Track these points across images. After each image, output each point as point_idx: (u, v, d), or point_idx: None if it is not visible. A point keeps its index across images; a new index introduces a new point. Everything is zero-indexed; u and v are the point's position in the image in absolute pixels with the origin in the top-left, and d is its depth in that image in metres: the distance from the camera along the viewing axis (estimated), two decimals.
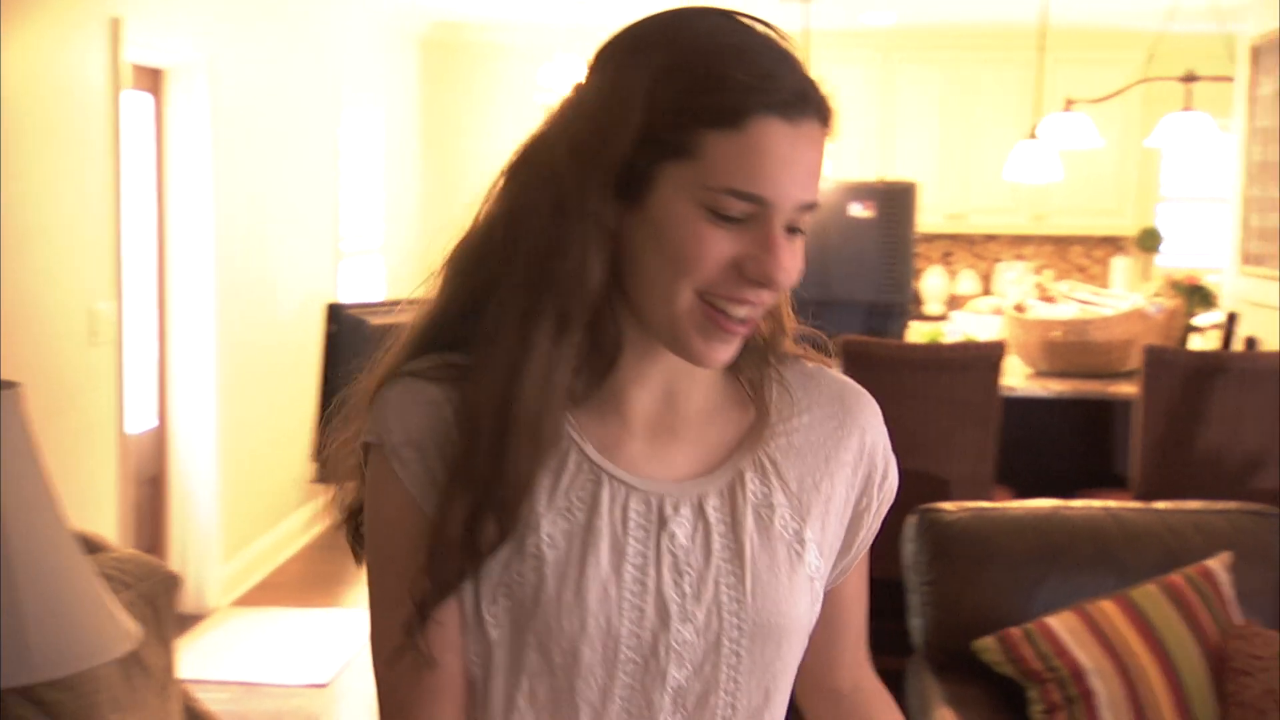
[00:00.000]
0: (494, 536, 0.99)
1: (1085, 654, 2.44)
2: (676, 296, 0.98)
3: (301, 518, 5.90)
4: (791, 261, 0.98)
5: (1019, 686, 2.49)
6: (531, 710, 1.02)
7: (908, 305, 4.74)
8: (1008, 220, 7.88)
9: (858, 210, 4.97)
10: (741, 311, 0.99)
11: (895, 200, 5.01)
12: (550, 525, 1.01)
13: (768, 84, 0.95)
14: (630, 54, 0.99)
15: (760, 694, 1.07)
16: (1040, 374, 4.54)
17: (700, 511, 1.05)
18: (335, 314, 2.36)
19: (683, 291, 0.98)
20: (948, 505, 2.68)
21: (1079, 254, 8.16)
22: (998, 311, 5.57)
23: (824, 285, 4.78)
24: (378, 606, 1.05)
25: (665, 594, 1.02)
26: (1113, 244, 8.06)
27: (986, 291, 7.92)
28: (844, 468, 1.11)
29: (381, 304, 2.61)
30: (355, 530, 1.11)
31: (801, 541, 1.08)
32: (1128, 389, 4.22)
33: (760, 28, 1.00)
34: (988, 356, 3.91)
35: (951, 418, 3.87)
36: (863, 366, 3.76)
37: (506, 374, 0.99)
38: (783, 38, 1.00)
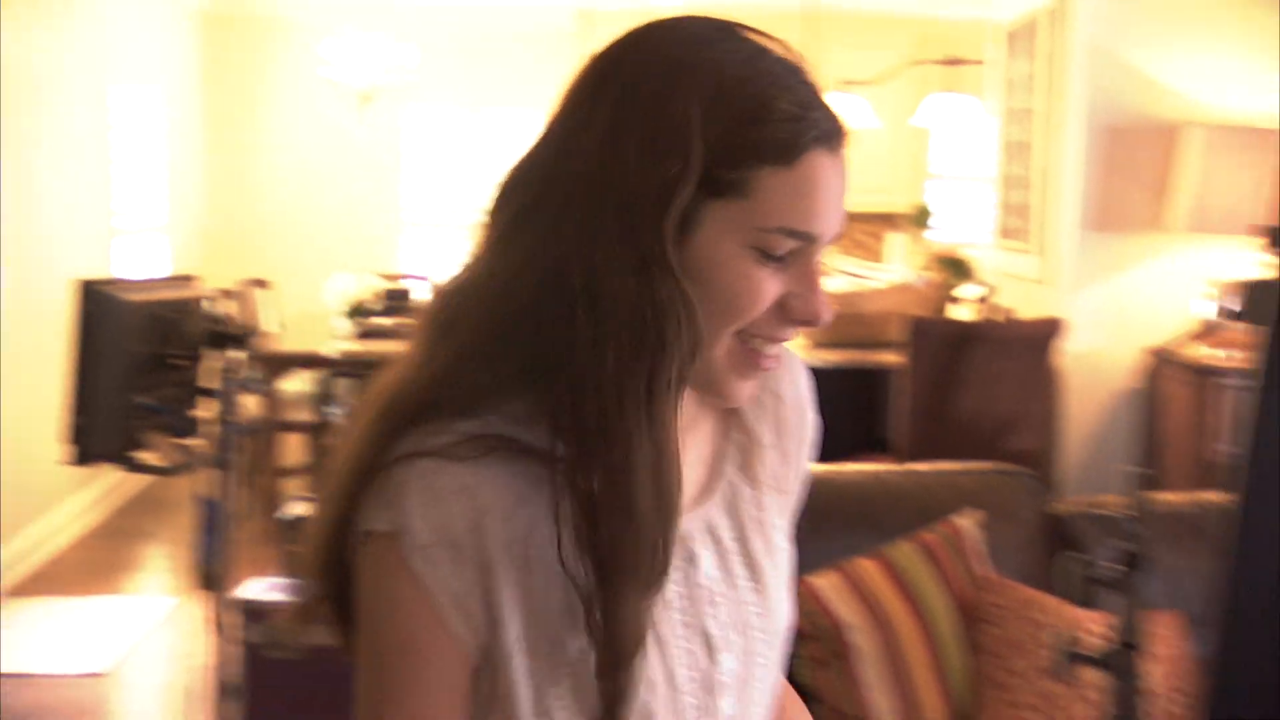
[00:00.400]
0: (649, 618, 0.91)
1: (846, 610, 2.52)
2: (719, 338, 0.92)
3: (79, 503, 5.65)
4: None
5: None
6: None
7: None
8: None
9: None
10: (776, 349, 0.95)
11: None
12: None
13: (812, 114, 0.90)
14: (663, 80, 0.89)
15: (770, 693, 1.05)
16: (816, 345, 4.67)
17: (715, 537, 1.01)
18: (88, 292, 2.26)
19: (727, 334, 0.92)
20: None
21: (859, 230, 8.40)
22: None
23: None
24: None
25: (708, 629, 0.98)
26: (888, 220, 8.33)
27: None
28: (793, 442, 1.09)
29: (141, 281, 2.50)
30: (341, 613, 0.96)
31: (784, 535, 1.06)
32: (895, 358, 4.37)
33: (765, 40, 0.93)
34: None
35: None
36: None
37: (653, 463, 0.89)
38: (789, 49, 0.94)
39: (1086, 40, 3.91)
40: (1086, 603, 1.32)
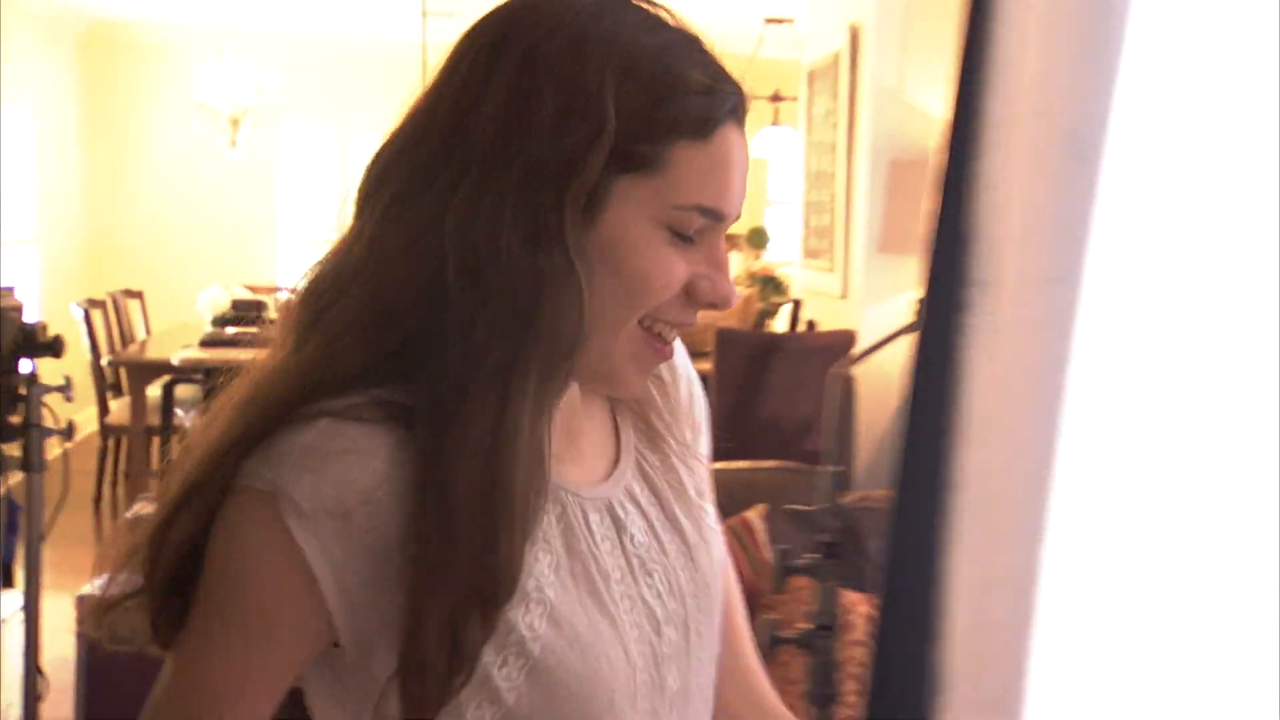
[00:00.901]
0: (481, 638, 0.77)
1: None
2: (625, 325, 0.81)
3: None
4: None
5: None
6: None
7: None
8: None
9: None
10: (676, 334, 0.85)
11: None
12: (534, 562, 0.81)
13: (723, 86, 0.82)
14: (569, 50, 0.78)
15: (712, 667, 0.94)
16: None
17: (637, 504, 0.90)
18: None
19: (633, 319, 0.81)
20: None
21: None
22: None
23: None
24: (210, 684, 0.80)
25: (648, 601, 0.87)
26: (731, 241, 8.44)
27: None
28: (682, 410, 0.98)
29: None
30: (162, 602, 0.82)
31: (702, 495, 0.95)
32: (706, 366, 4.42)
33: (657, 10, 0.84)
34: None
35: None
36: None
37: (490, 452, 0.76)
38: (679, 19, 0.85)
39: (874, 80, 4.01)
40: (779, 589, 1.35)
